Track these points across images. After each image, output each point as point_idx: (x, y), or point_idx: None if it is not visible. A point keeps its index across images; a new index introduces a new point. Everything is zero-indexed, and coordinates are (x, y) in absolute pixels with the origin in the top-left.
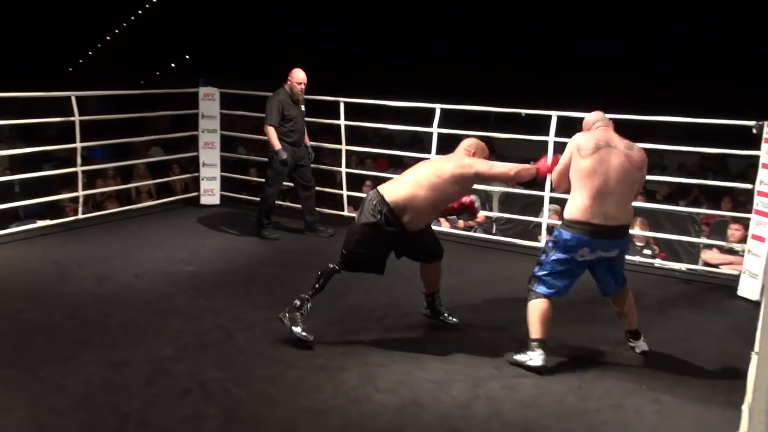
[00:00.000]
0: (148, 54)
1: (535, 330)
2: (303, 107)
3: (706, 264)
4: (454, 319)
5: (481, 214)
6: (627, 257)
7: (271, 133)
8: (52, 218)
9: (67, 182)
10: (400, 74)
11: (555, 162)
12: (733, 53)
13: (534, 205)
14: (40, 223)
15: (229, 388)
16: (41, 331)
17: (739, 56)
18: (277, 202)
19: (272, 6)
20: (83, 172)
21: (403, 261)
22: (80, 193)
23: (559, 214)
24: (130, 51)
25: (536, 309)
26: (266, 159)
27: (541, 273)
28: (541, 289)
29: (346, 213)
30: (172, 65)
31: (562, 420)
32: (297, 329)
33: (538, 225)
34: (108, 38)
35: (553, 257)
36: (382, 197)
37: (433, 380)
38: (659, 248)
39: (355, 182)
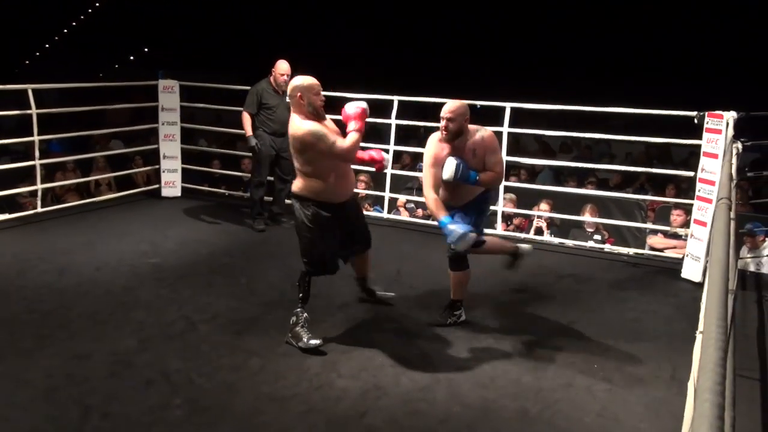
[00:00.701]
0: (107, 46)
1: (461, 293)
2: (288, 99)
3: (652, 248)
4: (391, 294)
5: None
6: (578, 242)
7: (244, 119)
8: (10, 212)
9: (26, 176)
10: (358, 67)
11: (382, 157)
12: (677, 48)
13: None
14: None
15: (192, 378)
16: (1, 326)
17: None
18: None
19: None
20: (42, 165)
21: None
22: (39, 186)
23: (514, 203)
24: (88, 43)
25: (465, 276)
26: (226, 151)
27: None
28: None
29: None
30: (131, 58)
31: (518, 399)
32: (303, 343)
33: (494, 213)
34: (65, 31)
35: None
36: (299, 195)
37: (394, 365)
38: (608, 234)
39: None
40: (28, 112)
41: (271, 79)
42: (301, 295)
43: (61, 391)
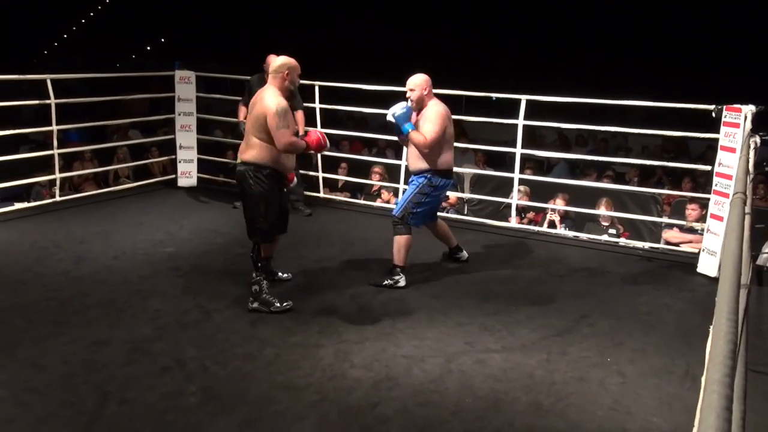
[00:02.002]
0: (124, 37)
1: (401, 258)
2: None
3: (667, 242)
4: (288, 275)
5: (453, 195)
6: (593, 236)
7: (239, 109)
8: (29, 201)
9: (44, 165)
10: (374, 58)
11: (320, 138)
12: (695, 40)
13: (504, 187)
14: (18, 206)
15: (207, 366)
16: (19, 312)
17: (701, 43)
18: None
19: None
20: (60, 154)
21: (376, 242)
22: (57, 175)
23: (528, 195)
24: (105, 34)
25: (405, 241)
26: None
27: (418, 210)
28: (414, 221)
29: (321, 195)
30: (148, 48)
31: (531, 392)
32: (275, 307)
33: (509, 206)
34: (83, 21)
35: (429, 198)
36: (253, 163)
37: (407, 356)
38: (623, 227)
39: (329, 164)
40: (47, 102)
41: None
42: (258, 264)
43: (78, 377)
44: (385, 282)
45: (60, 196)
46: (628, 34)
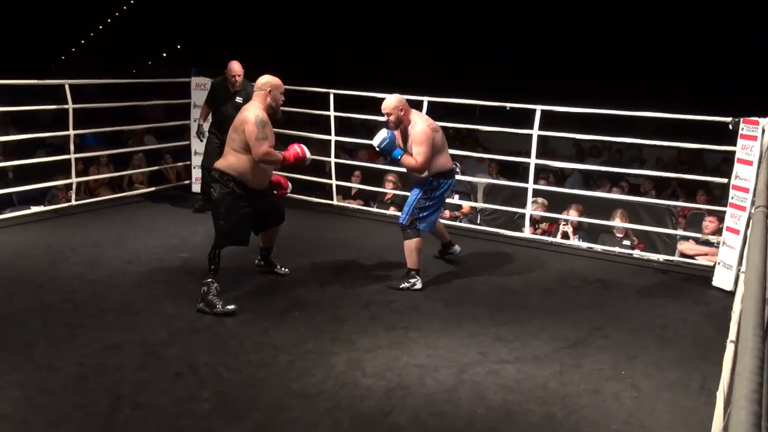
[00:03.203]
0: (140, 43)
1: (415, 261)
2: (239, 99)
3: (683, 255)
4: (286, 270)
5: (466, 205)
6: (607, 248)
7: (202, 110)
8: (46, 204)
9: (61, 169)
10: (389, 67)
11: (298, 152)
12: (712, 52)
13: (517, 197)
14: (34, 209)
15: (220, 372)
16: (35, 315)
17: (718, 55)
18: None
19: None
20: (77, 159)
21: (390, 250)
22: (74, 180)
23: (545, 207)
24: (122, 40)
25: (416, 244)
26: None
27: (424, 214)
28: (424, 226)
29: (334, 202)
30: (164, 54)
31: (544, 404)
32: (218, 309)
33: (522, 216)
34: (100, 27)
35: (433, 201)
36: (222, 171)
37: (419, 365)
38: (638, 239)
39: (343, 172)
40: (65, 106)
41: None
42: (212, 267)
43: (92, 380)
44: (402, 285)
45: (76, 200)
46: (644, 44)
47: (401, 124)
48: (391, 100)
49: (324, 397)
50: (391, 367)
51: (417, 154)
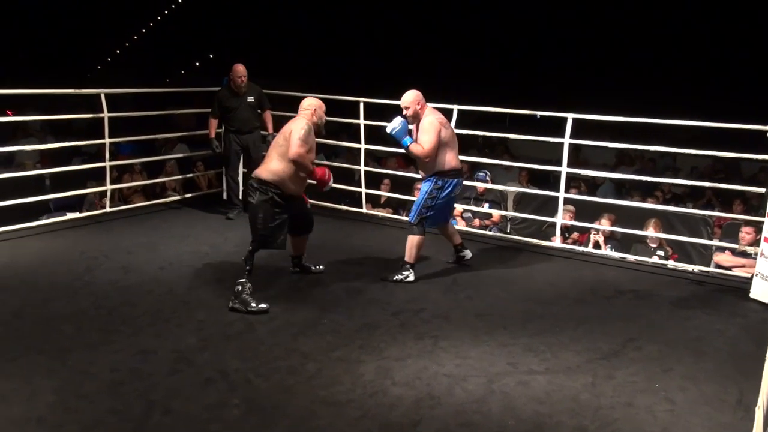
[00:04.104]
0: (173, 53)
1: (412, 256)
2: (251, 98)
3: (718, 266)
4: (321, 267)
5: (496, 214)
6: (641, 258)
7: (210, 123)
8: (81, 211)
9: (96, 176)
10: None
11: (325, 174)
12: (749, 59)
13: (548, 205)
14: (70, 216)
15: (250, 379)
16: (69, 320)
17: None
18: None
19: (293, 7)
20: (111, 166)
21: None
22: (108, 187)
23: (573, 215)
24: (155, 50)
25: (418, 241)
26: None
27: (430, 214)
28: (428, 224)
29: (364, 210)
30: (197, 64)
31: (576, 416)
32: (252, 307)
33: (553, 225)
34: (135, 37)
35: (438, 201)
36: (260, 179)
37: (449, 375)
38: (672, 249)
39: (372, 180)
40: (101, 115)
41: (232, 83)
42: (247, 267)
43: (125, 385)
44: (396, 277)
45: (110, 207)
46: (679, 52)
47: (418, 118)
48: (409, 95)
49: (352, 406)
50: (420, 377)
51: (423, 142)
